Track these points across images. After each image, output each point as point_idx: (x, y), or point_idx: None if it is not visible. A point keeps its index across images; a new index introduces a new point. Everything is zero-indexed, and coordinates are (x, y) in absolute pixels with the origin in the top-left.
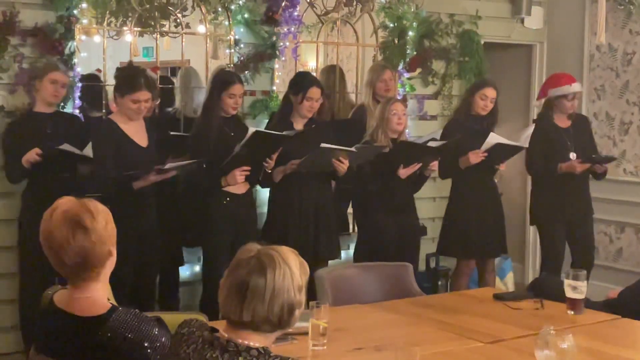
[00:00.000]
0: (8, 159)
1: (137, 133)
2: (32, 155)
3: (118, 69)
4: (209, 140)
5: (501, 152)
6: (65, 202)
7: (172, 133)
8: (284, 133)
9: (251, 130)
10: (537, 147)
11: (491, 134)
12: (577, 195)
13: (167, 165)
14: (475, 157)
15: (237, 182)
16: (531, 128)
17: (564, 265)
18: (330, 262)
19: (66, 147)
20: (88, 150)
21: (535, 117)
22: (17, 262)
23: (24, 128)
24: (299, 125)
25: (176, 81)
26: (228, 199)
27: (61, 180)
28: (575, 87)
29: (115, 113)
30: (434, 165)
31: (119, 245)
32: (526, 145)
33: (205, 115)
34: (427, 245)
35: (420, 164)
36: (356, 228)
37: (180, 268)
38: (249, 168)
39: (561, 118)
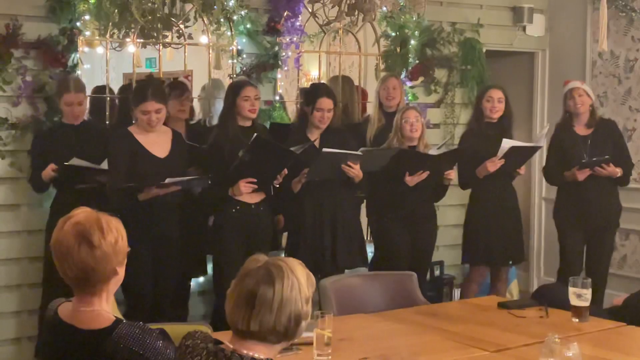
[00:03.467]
0: (34, 168)
1: (156, 144)
2: (48, 171)
3: (137, 81)
4: (224, 150)
5: (517, 156)
6: (80, 214)
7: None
8: (291, 149)
9: (254, 135)
10: (552, 155)
11: (504, 139)
12: (598, 203)
13: (167, 180)
14: (492, 165)
15: (242, 193)
16: (546, 127)
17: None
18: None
19: (75, 161)
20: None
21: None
22: (42, 272)
23: (51, 139)
24: (314, 136)
25: (201, 93)
26: (238, 207)
27: (86, 190)
28: (570, 84)
29: (134, 124)
30: (450, 174)
31: (133, 255)
32: (542, 144)
33: (220, 125)
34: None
35: (428, 172)
36: (370, 236)
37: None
38: (254, 180)
39: (581, 125)
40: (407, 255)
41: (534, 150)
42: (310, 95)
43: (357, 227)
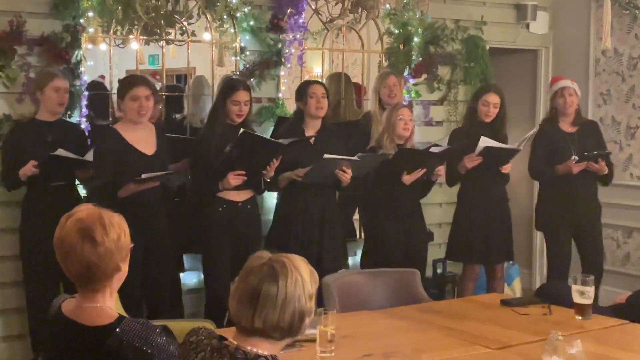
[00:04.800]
0: (7, 165)
1: (142, 140)
2: (29, 168)
3: (120, 79)
4: (210, 146)
5: (496, 156)
6: (83, 210)
7: (170, 135)
8: (279, 141)
9: (241, 130)
10: (539, 150)
11: (482, 137)
12: (584, 200)
13: (144, 175)
14: (470, 161)
15: (231, 186)
16: (531, 132)
17: (572, 271)
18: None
19: (61, 152)
20: (87, 156)
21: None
22: (21, 271)
23: (25, 136)
24: (310, 132)
25: (187, 89)
26: (225, 205)
27: (59, 188)
28: (561, 83)
29: (120, 122)
30: (440, 170)
31: None
32: (520, 148)
33: (209, 122)
34: (434, 251)
35: (424, 170)
36: (363, 234)
37: (185, 275)
38: (243, 172)
39: (566, 123)
40: (402, 252)
41: (512, 152)
42: (301, 88)
43: (341, 226)
